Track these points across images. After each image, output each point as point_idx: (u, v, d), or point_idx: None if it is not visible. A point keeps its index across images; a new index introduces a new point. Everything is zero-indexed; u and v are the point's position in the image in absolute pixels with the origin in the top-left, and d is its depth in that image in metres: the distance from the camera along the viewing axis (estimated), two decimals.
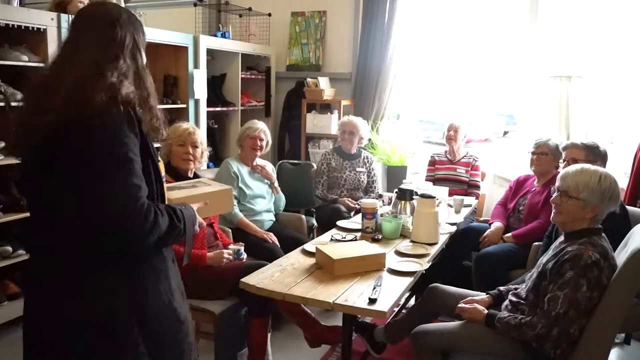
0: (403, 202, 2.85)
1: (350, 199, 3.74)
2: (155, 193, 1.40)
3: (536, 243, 2.89)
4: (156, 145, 1.51)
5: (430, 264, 2.37)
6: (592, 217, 1.98)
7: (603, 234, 1.99)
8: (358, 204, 3.49)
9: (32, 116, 1.28)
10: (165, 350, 1.43)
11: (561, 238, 2.08)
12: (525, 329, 1.91)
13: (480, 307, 2.10)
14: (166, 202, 1.49)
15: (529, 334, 1.89)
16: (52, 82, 1.30)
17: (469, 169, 3.98)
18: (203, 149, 2.82)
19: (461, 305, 2.17)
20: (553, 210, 2.06)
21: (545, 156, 3.20)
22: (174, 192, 1.71)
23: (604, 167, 2.74)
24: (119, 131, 1.27)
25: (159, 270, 1.43)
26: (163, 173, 1.52)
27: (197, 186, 1.87)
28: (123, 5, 3.60)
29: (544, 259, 2.07)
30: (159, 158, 1.45)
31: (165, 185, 1.61)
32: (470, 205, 3.53)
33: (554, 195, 2.07)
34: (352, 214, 3.56)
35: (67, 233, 1.32)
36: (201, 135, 2.84)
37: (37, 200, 1.37)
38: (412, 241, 2.62)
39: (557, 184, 2.06)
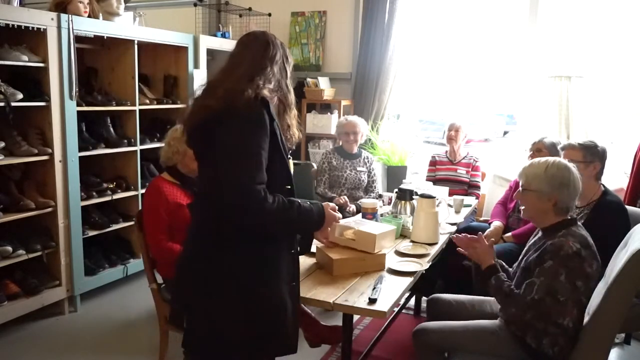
0: (403, 202, 2.85)
1: (343, 197, 3.70)
2: (281, 186, 1.66)
3: None
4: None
5: (430, 264, 2.37)
6: (553, 207, 1.99)
7: (579, 223, 2.02)
8: (358, 204, 3.49)
9: (198, 105, 1.66)
10: (268, 331, 1.66)
11: (539, 234, 2.10)
12: (510, 301, 1.93)
13: (491, 253, 2.10)
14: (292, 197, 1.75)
15: (507, 311, 1.95)
16: (216, 84, 1.67)
17: (470, 169, 3.98)
18: None
19: (471, 239, 2.15)
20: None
21: (540, 153, 3.19)
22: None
23: (602, 166, 2.72)
24: (255, 126, 1.56)
25: (268, 257, 1.66)
26: (292, 169, 1.82)
27: (363, 223, 2.39)
28: (123, 5, 3.63)
29: (528, 257, 2.07)
30: (289, 157, 1.71)
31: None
32: (470, 205, 3.53)
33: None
34: (353, 210, 3.56)
35: (213, 204, 1.61)
36: None
37: (200, 174, 1.74)
38: (412, 241, 2.62)
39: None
